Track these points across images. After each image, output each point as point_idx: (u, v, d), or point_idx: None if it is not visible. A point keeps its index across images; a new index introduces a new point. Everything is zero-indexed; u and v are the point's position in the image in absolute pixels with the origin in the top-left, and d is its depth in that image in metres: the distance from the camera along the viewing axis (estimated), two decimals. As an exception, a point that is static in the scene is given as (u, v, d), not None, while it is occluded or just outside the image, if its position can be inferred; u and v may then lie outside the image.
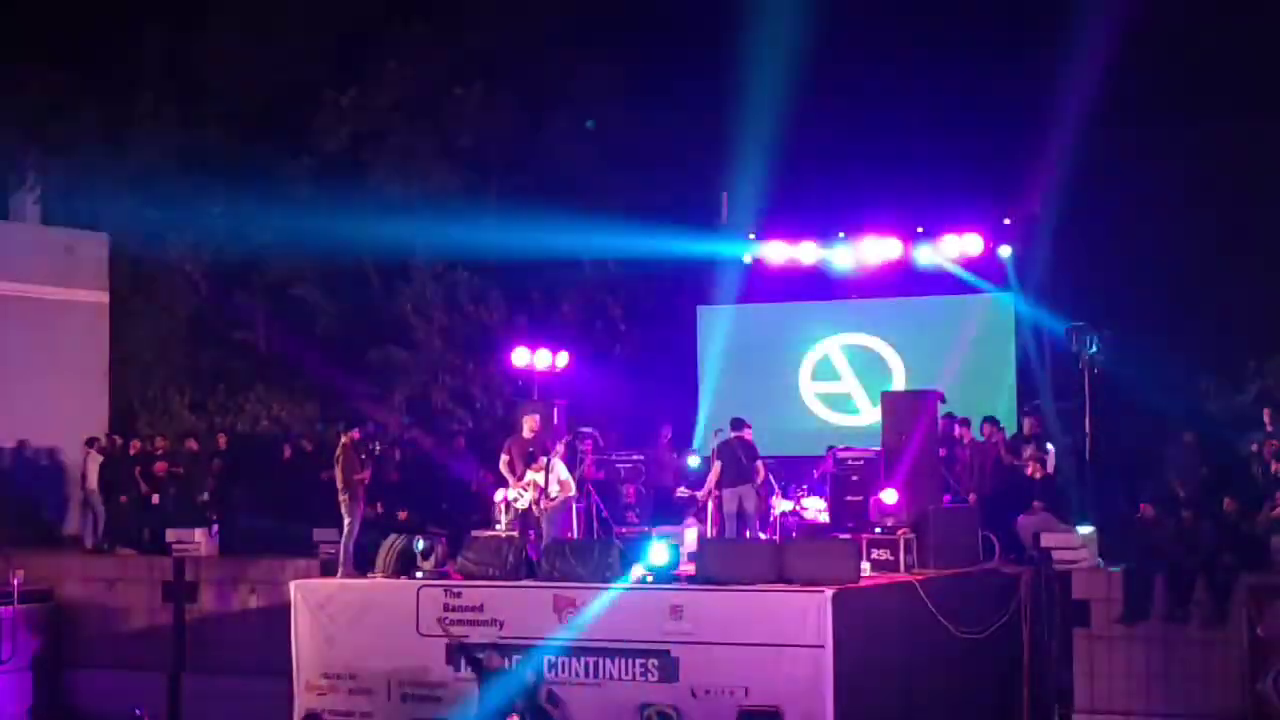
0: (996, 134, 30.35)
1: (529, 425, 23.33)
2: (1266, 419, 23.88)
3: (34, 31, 32.46)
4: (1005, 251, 27.87)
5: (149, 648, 26.19)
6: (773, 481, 24.72)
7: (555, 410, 25.76)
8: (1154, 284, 29.12)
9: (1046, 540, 22.69)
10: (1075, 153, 30.17)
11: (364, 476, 23.18)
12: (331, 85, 34.10)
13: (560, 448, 23.56)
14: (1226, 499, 22.22)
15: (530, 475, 22.72)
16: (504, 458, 23.21)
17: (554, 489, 22.77)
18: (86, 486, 28.47)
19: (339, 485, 23.15)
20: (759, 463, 23.34)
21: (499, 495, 23.36)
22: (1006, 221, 28.11)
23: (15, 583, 26.06)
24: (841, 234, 28.92)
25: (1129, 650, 21.91)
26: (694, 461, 26.51)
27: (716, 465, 23.32)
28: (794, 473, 25.97)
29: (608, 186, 34.04)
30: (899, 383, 27.94)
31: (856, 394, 28.69)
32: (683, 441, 27.87)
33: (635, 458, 26.95)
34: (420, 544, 22.22)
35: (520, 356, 29.04)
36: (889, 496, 22.60)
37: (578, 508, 23.85)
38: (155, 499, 28.20)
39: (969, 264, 28.05)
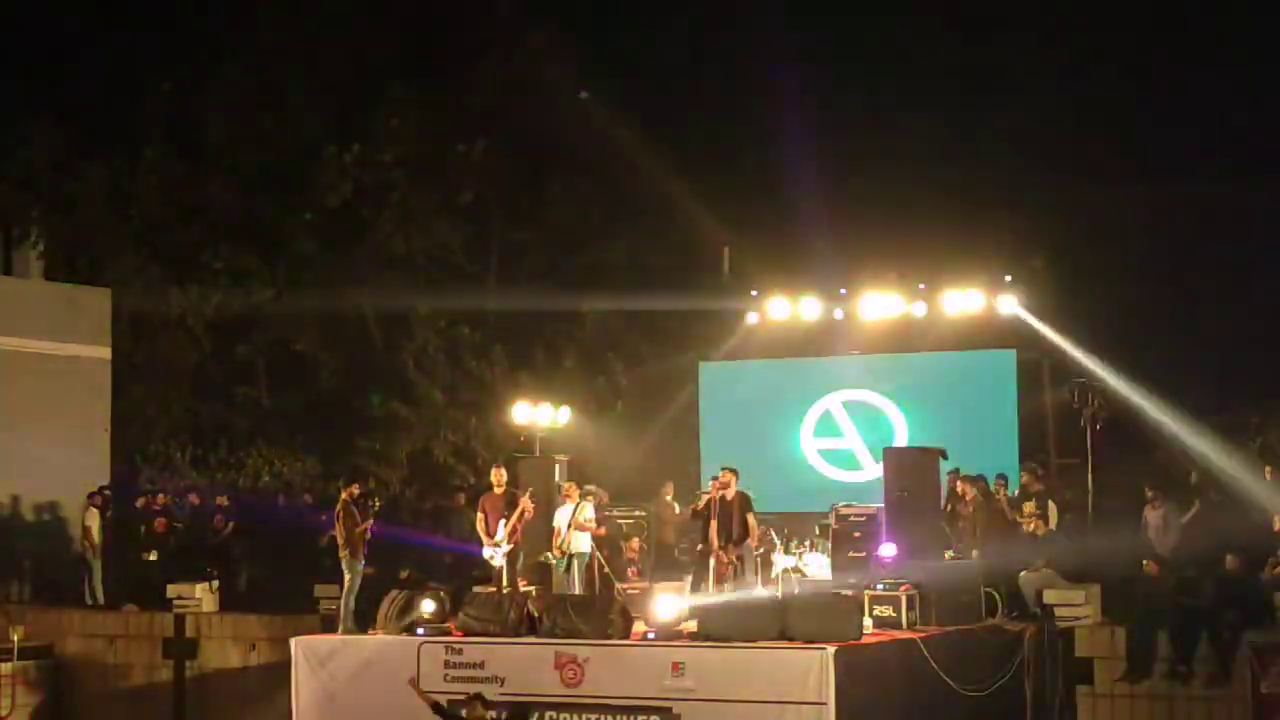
0: (998, 191, 30.50)
1: (497, 479, 23.42)
2: (1267, 475, 23.84)
3: (38, 88, 32.63)
4: (1007, 307, 27.88)
5: (149, 704, 26.10)
6: (774, 537, 24.71)
7: (556, 466, 25.79)
8: (1155, 340, 29.17)
9: (1049, 597, 22.64)
10: (1076, 208, 30.33)
11: (364, 529, 23.14)
12: (334, 141, 34.25)
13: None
14: (1229, 556, 22.18)
15: (502, 531, 22.88)
16: (479, 515, 23.32)
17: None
18: (88, 542, 28.43)
19: (339, 541, 23.12)
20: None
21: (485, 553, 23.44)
22: (1008, 278, 28.15)
23: (15, 638, 26.00)
24: (843, 290, 28.94)
25: (1132, 708, 21.83)
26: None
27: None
28: (796, 529, 25.93)
29: (609, 242, 34.19)
30: (901, 439, 27.92)
31: (858, 450, 28.65)
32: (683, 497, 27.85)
33: (637, 513, 26.94)
34: (430, 605, 22.14)
35: (522, 411, 29.06)
36: (887, 550, 22.58)
37: (582, 563, 23.89)
38: (156, 555, 28.16)
39: (971, 320, 28.05)
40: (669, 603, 21.24)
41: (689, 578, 23.97)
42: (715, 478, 23.48)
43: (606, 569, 24.65)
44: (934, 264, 28.58)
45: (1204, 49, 30.27)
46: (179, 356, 35.10)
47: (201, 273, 34.32)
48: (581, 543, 23.79)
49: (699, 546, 23.46)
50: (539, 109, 34.84)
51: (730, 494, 22.88)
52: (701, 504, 23.58)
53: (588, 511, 23.95)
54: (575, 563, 23.70)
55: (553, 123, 34.77)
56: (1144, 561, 22.47)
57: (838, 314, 28.99)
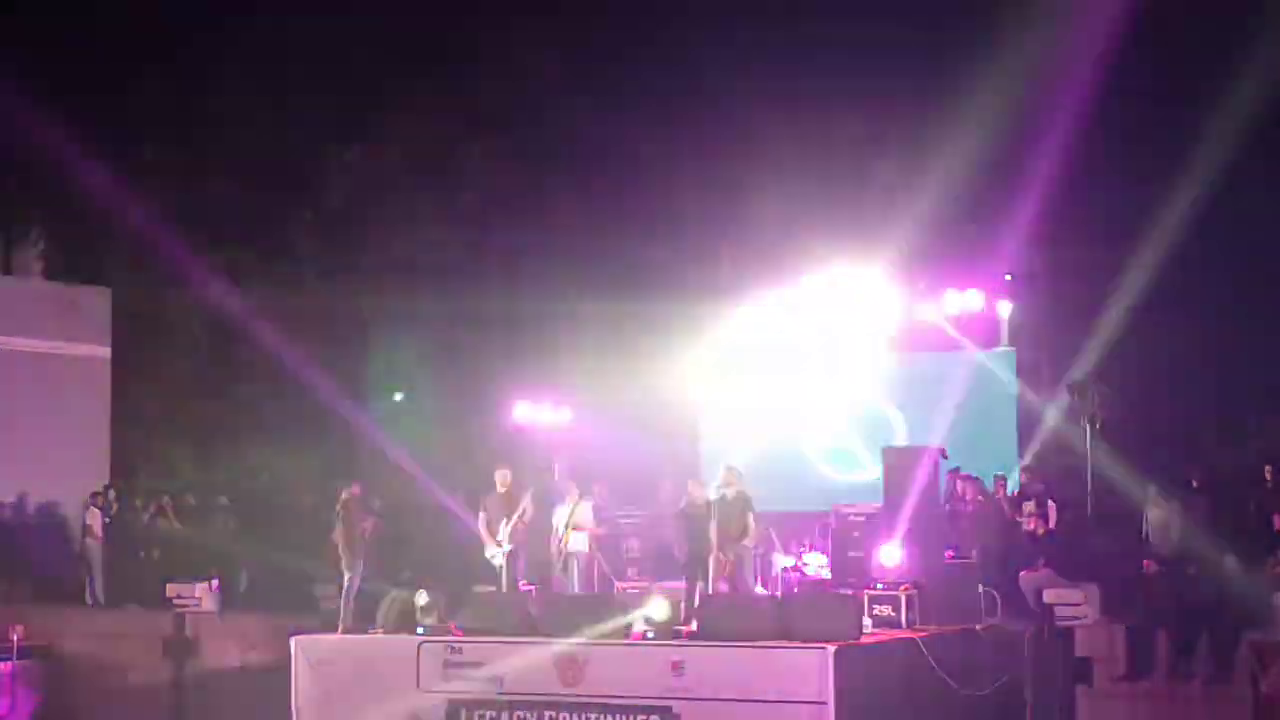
0: (998, 190, 30.45)
1: (501, 479, 23.45)
2: (1267, 475, 23.81)
3: (38, 87, 32.58)
4: (1006, 307, 27.88)
5: (149, 704, 26.12)
6: (774, 537, 24.73)
7: (556, 466, 25.81)
8: (1154, 340, 29.15)
9: (1049, 597, 22.66)
10: (1076, 210, 30.29)
11: (365, 528, 23.18)
12: (335, 141, 34.23)
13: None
14: (1229, 556, 22.19)
15: (503, 531, 22.93)
16: (481, 515, 23.33)
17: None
18: (88, 541, 28.45)
19: (340, 540, 23.15)
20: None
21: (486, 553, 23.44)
22: (1008, 277, 28.16)
23: (15, 638, 26.01)
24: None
25: (1132, 708, 21.86)
26: None
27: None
28: (795, 528, 25.93)
29: (609, 242, 34.15)
30: (900, 438, 27.91)
31: (858, 449, 28.65)
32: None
33: (637, 513, 26.94)
34: (424, 598, 22.15)
35: (522, 411, 29.07)
36: (890, 556, 22.58)
37: (580, 562, 23.92)
38: (156, 554, 28.17)
39: (970, 320, 28.06)
40: (661, 602, 21.30)
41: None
42: (693, 479, 23.58)
43: (606, 568, 24.69)
44: (934, 263, 28.59)
45: (1205, 47, 30.23)
46: (179, 356, 35.06)
47: (203, 271, 34.27)
48: (579, 542, 23.81)
49: (687, 548, 23.48)
50: (539, 109, 34.82)
51: (731, 493, 22.91)
52: (683, 505, 23.57)
53: (586, 512, 23.96)
54: (573, 562, 23.71)
55: (553, 122, 34.75)
56: (1144, 561, 22.47)
57: (840, 314, 28.97)
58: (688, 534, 23.27)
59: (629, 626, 21.04)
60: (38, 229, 33.06)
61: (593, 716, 20.46)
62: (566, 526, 23.76)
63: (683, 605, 22.26)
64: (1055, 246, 30.00)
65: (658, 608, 21.20)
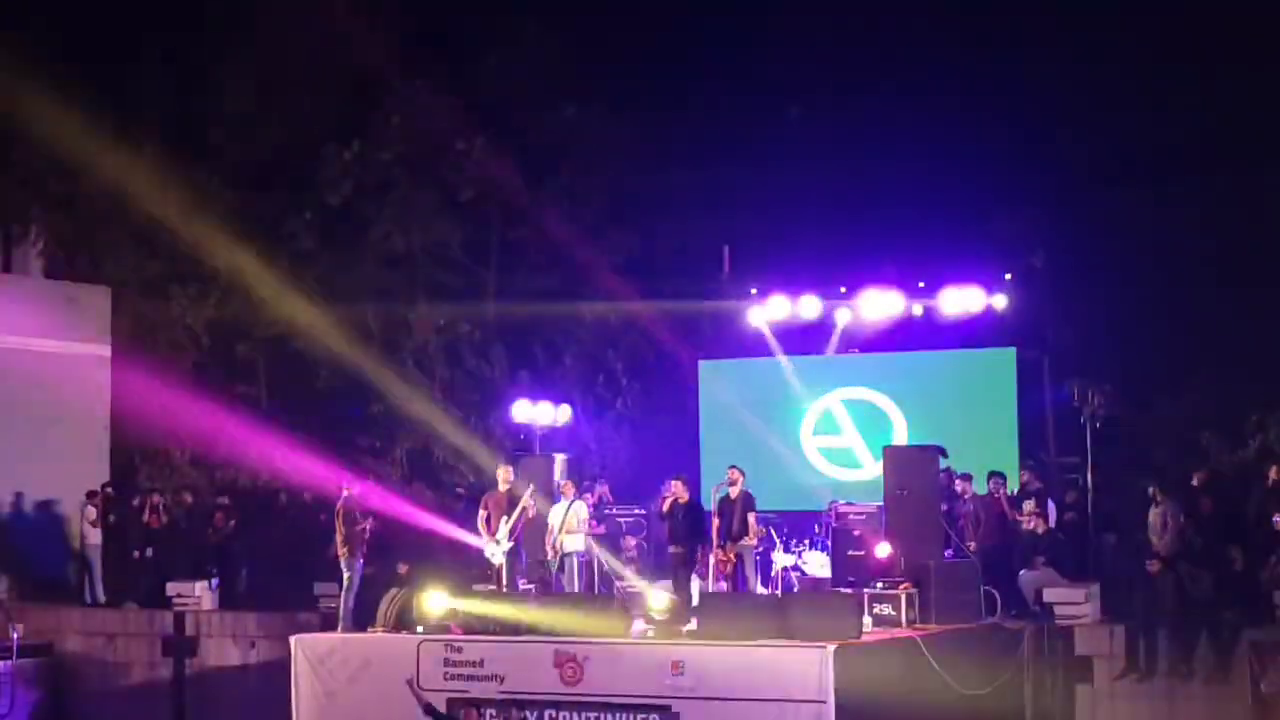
0: (997, 189, 30.49)
1: (503, 477, 23.47)
2: (1273, 474, 23.74)
3: (39, 85, 32.57)
4: (1006, 306, 27.86)
5: (149, 702, 26.13)
6: (774, 536, 24.74)
7: (555, 464, 25.80)
8: (1155, 338, 29.15)
9: (1049, 595, 22.67)
10: (1076, 208, 30.30)
11: (364, 528, 23.18)
12: (334, 138, 34.21)
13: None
14: (1230, 554, 22.20)
15: (503, 529, 22.93)
16: (481, 513, 23.34)
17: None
18: (86, 540, 28.45)
19: (339, 539, 23.15)
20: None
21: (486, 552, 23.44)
22: (1008, 276, 28.15)
23: (15, 637, 26.01)
24: (843, 288, 28.94)
25: (1132, 706, 21.87)
26: None
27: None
28: (796, 527, 25.92)
29: (609, 240, 34.17)
30: (900, 437, 27.89)
31: (858, 448, 28.63)
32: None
33: (636, 512, 26.93)
34: (438, 600, 21.98)
35: (521, 410, 29.08)
36: (882, 550, 22.61)
37: (580, 561, 23.94)
38: (155, 553, 28.15)
39: (970, 318, 28.04)
40: (660, 594, 21.36)
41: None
42: (676, 478, 23.58)
43: (607, 568, 24.69)
44: (934, 262, 28.58)
45: (1204, 46, 30.27)
46: (179, 356, 35.04)
47: (201, 272, 34.27)
48: (574, 542, 23.81)
49: (670, 549, 23.45)
50: (539, 107, 34.81)
51: (734, 492, 22.95)
52: (666, 507, 23.54)
53: (582, 512, 23.97)
54: (570, 562, 23.71)
55: (553, 121, 34.73)
56: (1144, 561, 22.47)
57: (838, 313, 28.98)
58: (671, 534, 23.31)
59: (629, 622, 21.11)
60: (38, 228, 33.03)
61: (593, 716, 20.46)
62: (561, 526, 23.77)
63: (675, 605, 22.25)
64: (1056, 244, 30.00)
65: (656, 598, 21.28)
